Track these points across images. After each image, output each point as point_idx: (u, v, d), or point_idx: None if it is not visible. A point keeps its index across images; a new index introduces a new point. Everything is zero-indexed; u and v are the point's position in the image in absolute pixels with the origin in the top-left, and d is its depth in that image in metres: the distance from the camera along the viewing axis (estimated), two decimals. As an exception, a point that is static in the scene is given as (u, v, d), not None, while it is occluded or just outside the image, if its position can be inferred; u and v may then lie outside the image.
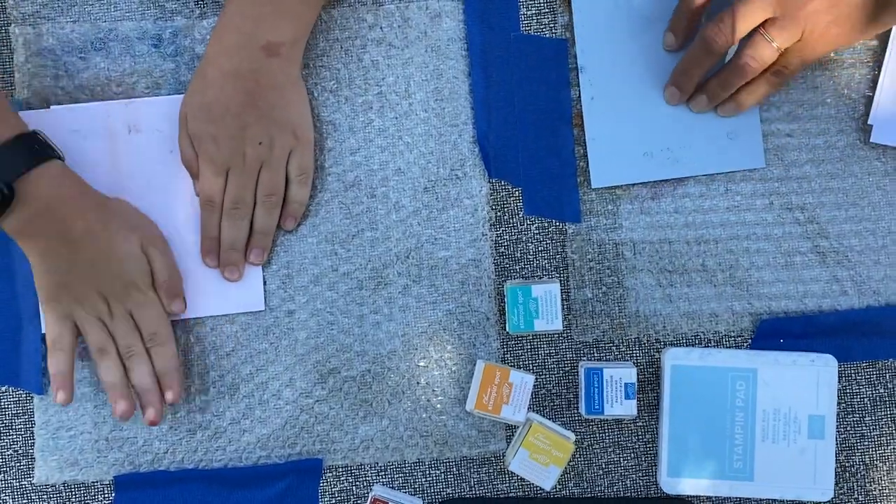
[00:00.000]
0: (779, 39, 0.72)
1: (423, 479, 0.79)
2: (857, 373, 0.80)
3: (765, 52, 0.73)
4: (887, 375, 0.80)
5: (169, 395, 0.76)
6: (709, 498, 0.80)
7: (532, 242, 0.80)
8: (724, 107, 0.79)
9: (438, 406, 0.79)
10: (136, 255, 0.75)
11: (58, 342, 0.74)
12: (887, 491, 0.80)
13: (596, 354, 0.80)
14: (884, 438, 0.80)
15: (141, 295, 0.75)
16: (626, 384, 0.75)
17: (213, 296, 0.79)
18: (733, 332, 0.80)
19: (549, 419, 0.78)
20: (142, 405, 0.76)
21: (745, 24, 0.73)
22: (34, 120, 0.75)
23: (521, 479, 0.79)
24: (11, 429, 0.79)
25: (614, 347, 0.80)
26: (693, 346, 0.80)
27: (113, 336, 0.75)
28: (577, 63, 0.81)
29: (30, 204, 0.70)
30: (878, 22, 0.73)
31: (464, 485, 0.80)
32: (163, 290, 0.77)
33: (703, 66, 0.76)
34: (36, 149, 0.72)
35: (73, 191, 0.74)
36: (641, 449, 0.80)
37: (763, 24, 0.73)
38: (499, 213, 0.81)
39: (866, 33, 0.74)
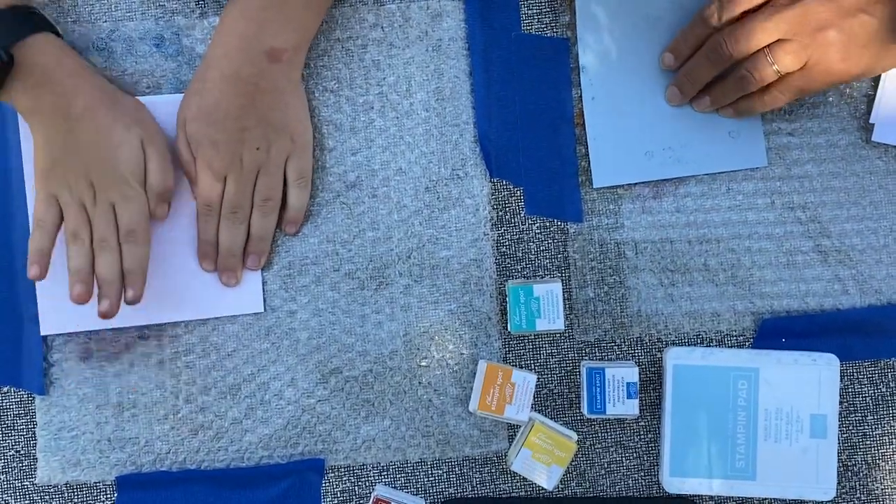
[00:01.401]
0: (780, 63, 0.72)
1: (426, 479, 0.79)
2: (860, 372, 0.80)
3: (764, 72, 0.73)
4: (889, 374, 0.80)
5: (129, 293, 0.74)
6: (711, 497, 0.80)
7: (534, 242, 0.80)
8: (723, 110, 0.79)
9: (440, 406, 0.79)
10: (133, 147, 0.74)
11: (41, 221, 0.74)
12: (889, 490, 0.80)
13: (598, 354, 0.80)
14: (886, 437, 0.80)
15: (129, 189, 0.74)
16: (627, 384, 0.75)
17: (212, 298, 0.79)
18: (735, 331, 0.80)
19: (551, 419, 0.78)
20: (99, 296, 0.74)
21: (754, 42, 0.72)
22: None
23: (523, 478, 0.79)
24: (13, 429, 0.79)
25: (616, 347, 0.80)
26: (695, 345, 0.80)
27: (91, 224, 0.74)
28: (578, 62, 0.81)
29: (30, 72, 0.70)
30: (880, 66, 0.73)
31: (466, 485, 0.80)
32: (153, 190, 0.76)
33: (707, 74, 0.77)
34: (33, 19, 0.72)
35: (76, 66, 0.74)
36: (643, 448, 0.80)
37: (770, 44, 0.72)
38: (500, 213, 0.81)
39: (866, 74, 0.74)
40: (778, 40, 0.72)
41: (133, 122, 0.75)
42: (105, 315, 0.73)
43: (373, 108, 0.80)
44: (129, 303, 0.75)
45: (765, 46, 0.72)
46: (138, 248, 0.74)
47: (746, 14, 0.73)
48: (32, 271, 0.73)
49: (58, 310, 0.78)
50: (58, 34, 0.74)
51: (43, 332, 0.78)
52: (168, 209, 0.77)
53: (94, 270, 0.74)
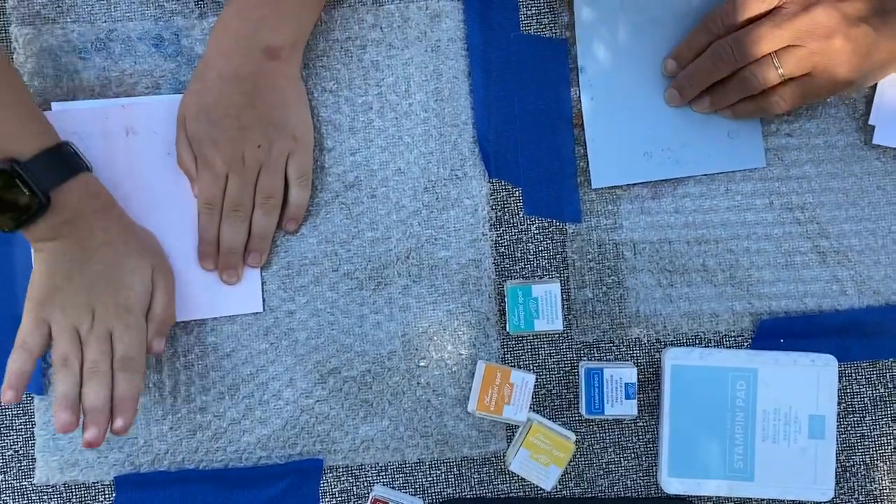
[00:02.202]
0: (786, 67, 0.73)
1: (424, 480, 0.79)
2: (858, 372, 0.80)
3: (769, 75, 0.74)
4: (887, 375, 0.80)
5: (118, 423, 0.72)
6: (709, 498, 0.80)
7: (532, 242, 0.80)
8: (721, 112, 0.80)
9: (439, 406, 0.79)
10: (144, 275, 0.74)
11: (26, 343, 0.72)
12: (888, 490, 0.80)
13: (596, 354, 0.80)
14: (884, 438, 0.80)
15: (131, 318, 0.73)
16: (626, 384, 0.75)
17: (211, 298, 0.79)
18: (734, 331, 0.80)
19: (550, 419, 0.78)
20: (85, 423, 0.71)
21: (762, 49, 0.73)
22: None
23: (521, 479, 0.79)
24: (12, 429, 0.79)
25: (614, 347, 0.80)
26: (693, 345, 0.80)
27: (82, 350, 0.72)
28: (577, 63, 0.81)
29: (60, 213, 0.70)
30: (881, 74, 0.76)
31: (464, 485, 0.80)
32: (155, 322, 0.75)
33: (710, 77, 0.77)
34: (71, 160, 0.72)
35: (104, 203, 0.74)
36: (642, 449, 0.80)
37: (777, 49, 0.73)
38: (499, 213, 0.81)
39: (867, 83, 0.76)
40: (785, 46, 0.73)
41: (145, 255, 0.75)
42: (91, 444, 0.70)
43: (372, 108, 0.80)
44: (116, 433, 0.72)
45: (771, 52, 0.73)
46: (134, 377, 0.73)
47: (749, 20, 0.74)
48: (7, 395, 0.70)
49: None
50: (89, 169, 0.74)
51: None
52: (163, 349, 0.76)
53: (82, 396, 0.72)
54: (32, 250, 0.73)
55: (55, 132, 0.72)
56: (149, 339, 0.75)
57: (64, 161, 0.71)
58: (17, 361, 0.71)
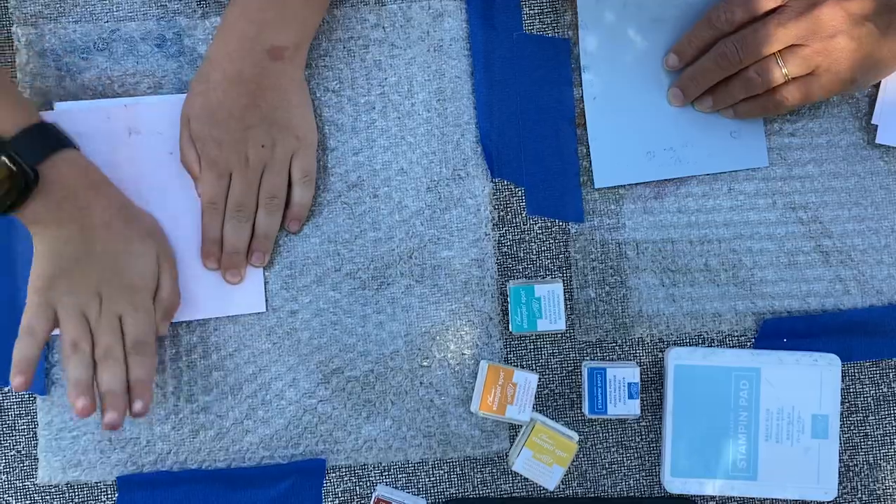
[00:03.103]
0: (790, 66, 0.73)
1: (427, 480, 0.79)
2: (861, 372, 0.80)
3: (773, 75, 0.74)
4: (891, 375, 0.80)
5: (138, 405, 0.72)
6: (712, 497, 0.80)
7: (535, 242, 0.80)
8: (724, 111, 0.80)
9: (442, 406, 0.79)
10: (150, 259, 0.74)
11: (32, 328, 0.71)
12: (891, 490, 0.80)
13: (599, 354, 0.80)
14: (887, 438, 0.80)
15: (140, 301, 0.73)
16: (629, 384, 0.75)
17: (214, 297, 0.79)
18: (736, 331, 0.80)
19: (553, 419, 0.78)
20: (103, 408, 0.71)
21: (767, 48, 0.73)
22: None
23: (524, 479, 0.79)
24: (14, 429, 0.79)
25: (617, 347, 0.80)
26: (696, 345, 0.80)
27: (93, 335, 0.72)
28: (579, 63, 0.81)
29: (53, 190, 0.70)
30: (884, 73, 0.77)
31: (467, 485, 0.80)
32: (163, 304, 0.75)
33: (714, 77, 0.77)
34: (56, 136, 0.72)
35: (96, 180, 0.74)
36: (645, 449, 0.80)
37: (781, 49, 0.73)
38: (502, 213, 0.81)
39: (870, 82, 0.77)
40: (789, 45, 0.72)
41: (148, 235, 0.75)
42: (112, 427, 0.70)
43: (374, 108, 0.80)
44: (137, 415, 0.72)
45: (776, 51, 0.73)
46: (147, 360, 0.73)
47: (753, 18, 0.74)
48: (17, 381, 0.70)
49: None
50: (76, 148, 0.74)
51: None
52: (167, 328, 0.76)
53: (98, 381, 0.72)
54: (33, 237, 0.73)
55: (37, 112, 0.72)
56: (158, 323, 0.75)
57: (48, 137, 0.71)
58: (24, 348, 0.71)
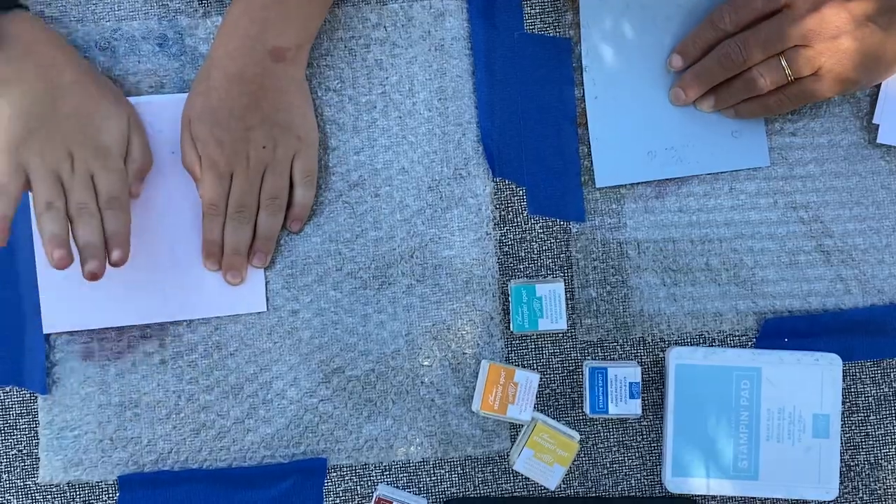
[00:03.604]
0: (793, 67, 0.73)
1: (428, 479, 0.79)
2: (862, 372, 0.80)
3: (776, 76, 0.74)
4: (892, 374, 0.80)
5: (117, 254, 0.72)
6: (713, 497, 0.80)
7: (536, 242, 0.80)
8: (725, 111, 0.80)
9: (443, 405, 0.79)
10: (121, 120, 0.74)
11: (5, 188, 0.70)
12: (892, 490, 0.80)
13: (600, 354, 0.80)
14: (888, 437, 0.80)
15: (111, 161, 0.73)
16: (630, 383, 0.75)
17: (215, 297, 0.79)
18: (738, 331, 0.80)
19: (554, 418, 0.78)
20: (83, 259, 0.71)
21: (770, 49, 0.73)
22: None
23: (525, 478, 0.79)
24: (15, 428, 0.79)
25: (619, 347, 0.80)
26: (697, 345, 0.80)
27: (66, 193, 0.71)
28: (580, 62, 0.81)
29: (12, 46, 0.69)
30: (886, 74, 0.76)
31: (468, 484, 0.80)
32: (134, 165, 0.75)
33: (716, 78, 0.77)
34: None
35: (59, 40, 0.73)
36: (646, 448, 0.80)
37: (785, 49, 0.73)
38: (503, 213, 0.81)
39: (872, 83, 0.77)
40: (793, 46, 0.73)
41: (119, 98, 0.75)
42: (93, 275, 0.70)
43: (375, 107, 0.80)
44: (115, 264, 0.72)
45: (779, 52, 0.73)
46: (121, 214, 0.73)
47: (756, 19, 0.74)
48: None
49: (60, 308, 0.78)
50: (27, 10, 0.74)
51: (46, 331, 0.78)
52: (141, 189, 0.77)
53: (74, 237, 0.72)
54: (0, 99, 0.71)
55: None
56: (130, 183, 0.75)
57: None
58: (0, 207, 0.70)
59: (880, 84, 0.79)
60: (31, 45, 0.71)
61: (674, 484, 0.76)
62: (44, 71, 0.71)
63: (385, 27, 0.81)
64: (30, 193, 0.72)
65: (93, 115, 0.73)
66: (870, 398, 0.80)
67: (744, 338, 0.80)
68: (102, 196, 0.72)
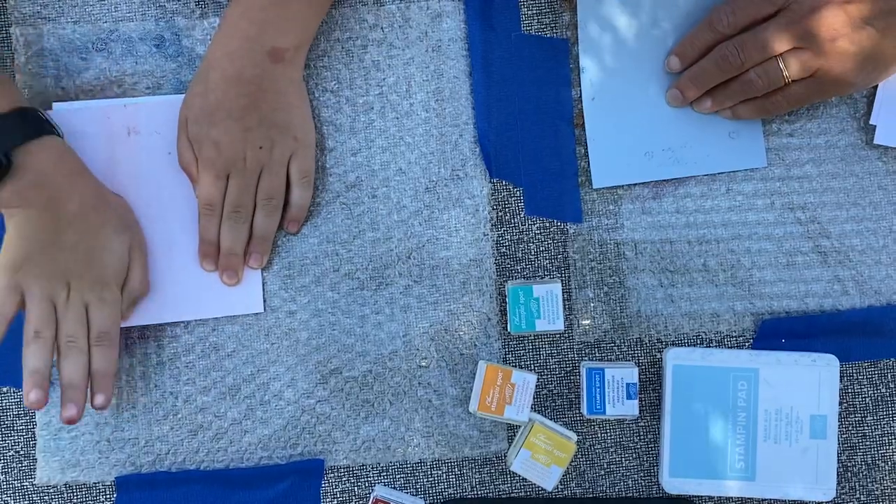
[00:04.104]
0: (792, 69, 0.73)
1: (425, 480, 0.79)
2: (859, 373, 0.80)
3: (773, 77, 0.74)
4: (889, 375, 0.80)
5: (99, 399, 0.72)
6: (710, 498, 0.80)
7: (533, 242, 0.80)
8: (722, 112, 0.80)
9: (440, 406, 0.79)
10: (120, 252, 0.74)
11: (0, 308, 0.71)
12: (889, 491, 0.80)
13: (597, 354, 0.80)
14: (886, 438, 0.80)
15: (108, 292, 0.73)
16: (627, 384, 0.75)
17: (212, 298, 0.79)
18: (735, 331, 0.80)
19: (551, 419, 0.78)
20: (63, 400, 0.71)
21: (768, 51, 0.74)
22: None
23: (522, 479, 0.79)
24: (13, 430, 0.79)
25: (616, 347, 0.80)
26: (695, 345, 0.80)
27: (58, 323, 0.72)
28: (578, 63, 0.81)
29: (25, 176, 0.70)
30: (883, 76, 0.76)
31: (465, 485, 0.80)
32: (131, 295, 0.75)
33: (714, 79, 0.77)
34: (36, 123, 0.71)
35: (74, 168, 0.74)
36: (643, 449, 0.80)
37: (783, 52, 0.73)
38: (500, 213, 0.81)
39: (869, 85, 0.76)
40: (790, 48, 0.73)
41: (123, 228, 0.75)
42: (70, 421, 0.71)
43: (373, 108, 0.80)
44: (98, 409, 0.73)
45: (777, 54, 0.73)
46: (110, 352, 0.73)
47: (754, 21, 0.74)
48: None
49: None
50: (59, 135, 0.74)
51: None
52: (132, 314, 0.77)
53: (58, 370, 0.72)
54: (6, 219, 0.72)
55: (20, 96, 0.72)
56: (124, 311, 0.75)
57: (29, 122, 0.71)
58: None
59: (877, 85, 0.79)
60: (42, 174, 0.71)
61: (671, 485, 0.76)
62: (49, 201, 0.71)
63: (382, 28, 0.81)
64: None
65: (93, 247, 0.73)
66: (867, 399, 0.80)
67: (741, 338, 0.80)
68: (94, 331, 0.73)
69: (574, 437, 0.75)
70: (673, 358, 0.76)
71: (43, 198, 0.71)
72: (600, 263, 0.80)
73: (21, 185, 0.70)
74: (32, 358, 0.71)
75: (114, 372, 0.73)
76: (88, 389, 0.73)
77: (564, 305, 0.80)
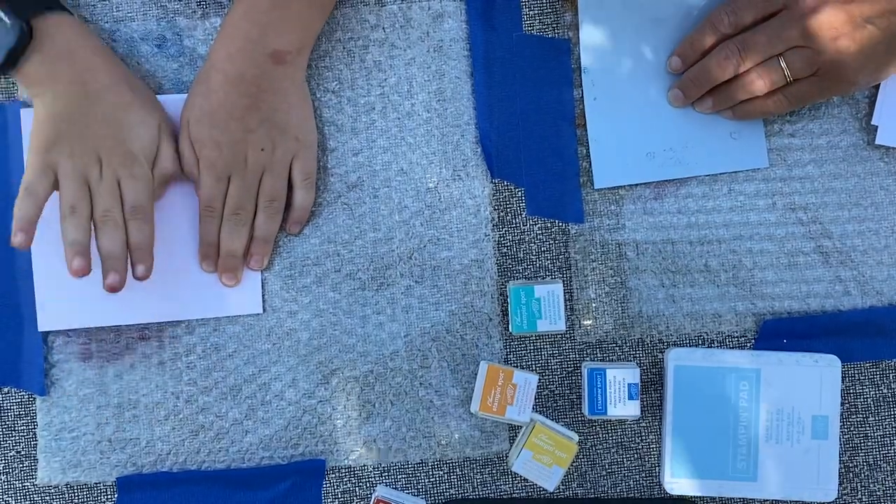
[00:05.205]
0: (792, 69, 0.74)
1: (427, 480, 0.79)
2: (861, 373, 0.80)
3: (774, 77, 0.74)
4: (891, 376, 0.80)
5: (140, 269, 0.73)
6: (712, 499, 0.79)
7: (535, 243, 0.80)
8: (724, 112, 0.80)
9: (441, 407, 0.79)
10: (151, 127, 0.74)
11: (33, 188, 0.71)
12: (891, 491, 0.80)
13: (599, 355, 0.80)
14: (887, 439, 0.80)
15: (139, 168, 0.73)
16: (629, 385, 0.75)
17: (211, 298, 0.79)
18: (736, 332, 0.80)
19: (552, 420, 0.78)
20: (104, 270, 0.72)
21: (769, 50, 0.74)
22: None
23: (524, 479, 0.79)
24: (14, 430, 0.79)
25: (617, 348, 0.80)
26: (696, 346, 0.80)
27: (92, 198, 0.72)
28: (579, 63, 0.81)
29: (50, 47, 0.70)
30: (884, 75, 0.75)
31: (467, 486, 0.79)
32: (161, 173, 0.75)
33: (714, 79, 0.77)
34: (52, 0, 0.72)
35: (97, 45, 0.74)
36: (645, 449, 0.80)
37: (784, 51, 0.73)
38: (501, 214, 0.81)
39: (869, 84, 0.76)
40: (791, 47, 0.73)
41: (151, 105, 0.75)
42: (113, 288, 0.72)
43: (374, 109, 0.80)
44: (140, 278, 0.74)
45: (778, 54, 0.73)
46: (146, 225, 0.74)
47: (755, 20, 0.74)
48: (18, 238, 0.70)
49: (56, 306, 0.78)
50: (72, 14, 0.74)
51: (41, 328, 0.78)
52: (164, 194, 0.78)
53: (97, 244, 0.73)
54: (33, 100, 0.72)
55: None
56: (156, 188, 0.75)
57: None
58: (24, 207, 0.71)
59: (879, 85, 0.79)
60: (69, 47, 0.71)
61: (672, 485, 0.76)
62: (78, 75, 0.72)
63: (384, 28, 0.81)
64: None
65: (123, 122, 0.73)
66: (869, 399, 0.80)
67: (742, 339, 0.80)
68: (127, 205, 0.73)
69: (575, 437, 0.75)
70: (674, 358, 0.76)
71: (71, 72, 0.71)
72: (602, 264, 0.80)
73: (49, 57, 0.70)
74: (71, 230, 0.71)
75: (151, 245, 0.74)
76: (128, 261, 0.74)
77: (566, 306, 0.80)
